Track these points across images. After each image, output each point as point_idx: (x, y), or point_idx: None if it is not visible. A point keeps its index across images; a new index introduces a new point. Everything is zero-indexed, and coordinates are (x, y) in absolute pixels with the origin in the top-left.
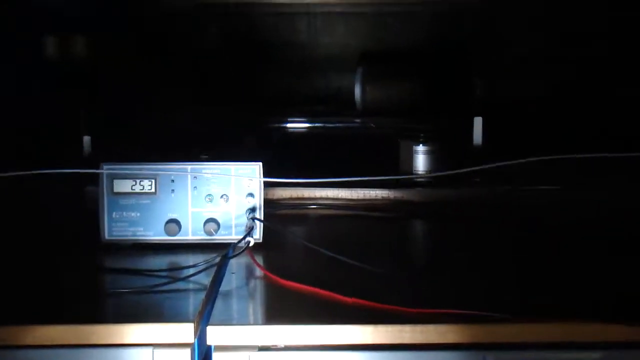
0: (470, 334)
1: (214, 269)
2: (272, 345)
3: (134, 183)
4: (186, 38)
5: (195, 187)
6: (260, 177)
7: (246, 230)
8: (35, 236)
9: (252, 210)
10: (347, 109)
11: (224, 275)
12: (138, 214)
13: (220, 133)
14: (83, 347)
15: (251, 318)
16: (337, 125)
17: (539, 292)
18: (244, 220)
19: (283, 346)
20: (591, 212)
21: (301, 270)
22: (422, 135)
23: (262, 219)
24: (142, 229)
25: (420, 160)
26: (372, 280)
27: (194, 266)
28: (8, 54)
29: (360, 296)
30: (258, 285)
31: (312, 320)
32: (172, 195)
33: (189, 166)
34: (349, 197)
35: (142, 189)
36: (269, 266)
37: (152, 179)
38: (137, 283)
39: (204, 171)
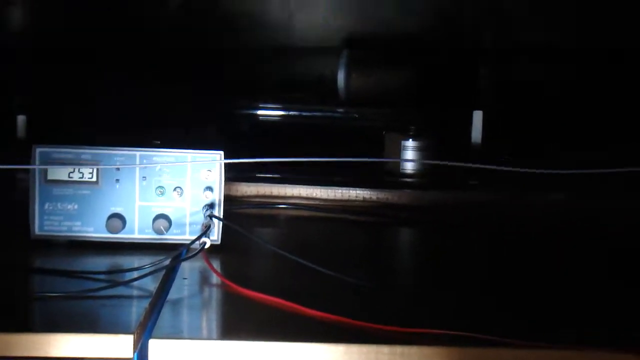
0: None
1: (162, 273)
2: None
3: (71, 170)
4: (141, 4)
5: (144, 177)
6: (221, 169)
7: (202, 230)
8: None
9: (210, 206)
10: (329, 97)
11: (173, 280)
12: (75, 206)
13: (177, 117)
14: None
15: (203, 331)
16: (315, 114)
17: (545, 312)
18: (200, 218)
19: None
20: (606, 221)
21: (264, 278)
22: (412, 128)
23: (222, 217)
24: (79, 223)
25: (409, 157)
26: (347, 293)
27: (138, 269)
28: None
29: (331, 310)
30: (213, 294)
31: (275, 336)
32: (117, 185)
33: (138, 152)
34: (325, 196)
35: (82, 178)
36: (226, 272)
37: (94, 166)
38: (70, 287)
39: (155, 158)
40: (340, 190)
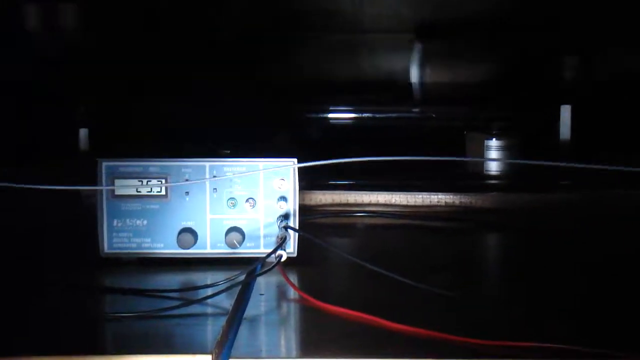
0: None
1: (237, 290)
2: None
3: (139, 184)
4: (199, 6)
5: (214, 188)
6: (295, 177)
7: (277, 242)
8: (21, 248)
9: (285, 217)
10: (403, 96)
11: (249, 297)
12: (145, 222)
13: (246, 126)
14: None
15: (282, 350)
16: (390, 115)
17: None
18: (275, 229)
19: None
20: None
21: (344, 290)
22: (495, 126)
23: (297, 228)
24: (149, 240)
25: (494, 158)
26: (432, 304)
27: (212, 285)
28: None
29: (418, 323)
30: (292, 309)
31: (358, 353)
32: (187, 198)
33: (208, 163)
34: (405, 203)
35: (150, 192)
36: (305, 286)
37: (162, 178)
38: (143, 306)
39: (225, 169)
40: (420, 196)
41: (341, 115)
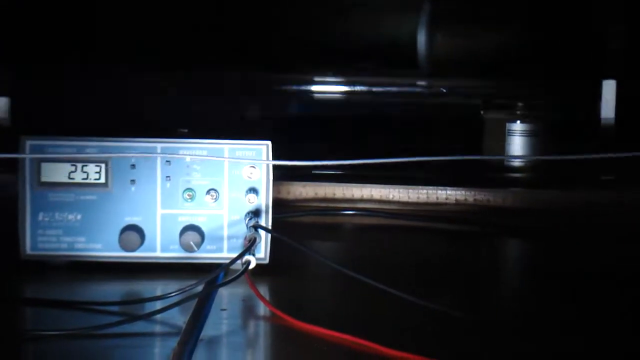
0: None
1: (193, 303)
2: None
3: (72, 169)
4: None
5: (168, 176)
6: (268, 163)
7: (245, 245)
8: None
9: (255, 214)
10: (407, 67)
11: (208, 312)
12: (79, 217)
13: (208, 100)
14: None
15: None
16: (390, 89)
17: None
18: (243, 229)
19: None
20: None
21: (326, 307)
22: (519, 105)
23: (270, 228)
24: (84, 239)
25: (517, 145)
26: (434, 326)
27: (162, 298)
28: None
29: (416, 349)
30: (261, 329)
31: None
32: (132, 188)
33: (160, 144)
34: (405, 199)
35: (86, 178)
36: (277, 300)
37: (102, 162)
38: (74, 322)
39: (182, 152)
40: (425, 191)
41: (328, 88)
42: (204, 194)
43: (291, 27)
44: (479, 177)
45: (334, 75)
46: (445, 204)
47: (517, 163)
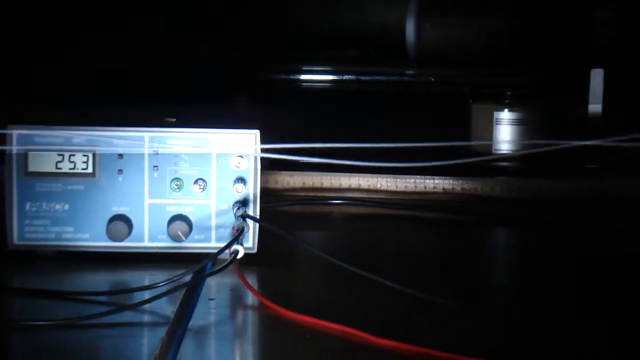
0: None
1: (181, 293)
2: None
3: (60, 159)
4: None
5: (155, 166)
6: (256, 153)
7: (233, 235)
8: None
9: (243, 203)
10: (395, 55)
11: (196, 302)
12: (66, 207)
13: (195, 86)
14: None
15: None
16: (378, 78)
17: None
18: (231, 219)
19: None
20: None
21: (315, 296)
22: (507, 94)
23: (258, 217)
24: (71, 229)
25: (505, 134)
26: (425, 315)
27: (150, 287)
28: None
29: (406, 338)
30: (249, 319)
31: None
32: (120, 178)
33: (147, 133)
34: (393, 188)
35: (74, 168)
36: (266, 290)
37: (89, 152)
38: (62, 312)
39: (169, 142)
40: (412, 180)
41: (316, 77)
42: (192, 184)
43: (278, 15)
44: (467, 166)
45: (322, 64)
46: (433, 192)
47: (504, 152)
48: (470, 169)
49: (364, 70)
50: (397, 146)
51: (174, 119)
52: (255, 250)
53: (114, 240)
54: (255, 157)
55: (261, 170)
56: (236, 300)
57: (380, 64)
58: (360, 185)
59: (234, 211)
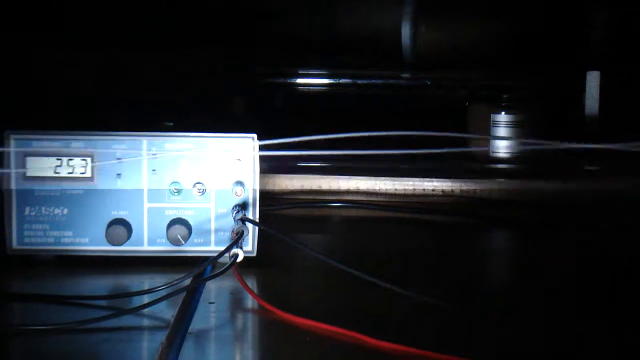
0: None
1: (181, 297)
2: None
3: (58, 163)
4: None
5: (154, 170)
6: (255, 156)
7: (232, 238)
8: None
9: (242, 207)
10: (390, 59)
11: (196, 306)
12: (65, 211)
13: (193, 91)
14: None
15: None
16: (374, 81)
17: None
18: (230, 222)
19: None
20: None
21: (315, 299)
22: (505, 97)
23: (258, 221)
24: (70, 233)
25: (501, 135)
26: (426, 318)
27: (150, 292)
28: None
29: (408, 341)
30: (249, 323)
31: None
32: (118, 182)
33: (145, 138)
34: (392, 190)
35: (72, 173)
36: (266, 293)
37: (88, 156)
38: (61, 317)
39: (167, 145)
40: (411, 182)
41: (313, 81)
42: (191, 188)
43: (274, 20)
44: (465, 168)
45: (318, 68)
46: (432, 195)
47: (502, 154)
48: (468, 170)
49: (361, 74)
50: (396, 153)
51: (172, 124)
52: (254, 254)
53: (113, 244)
54: (254, 161)
55: (260, 173)
56: (236, 304)
57: (377, 67)
58: (359, 187)
59: (233, 215)
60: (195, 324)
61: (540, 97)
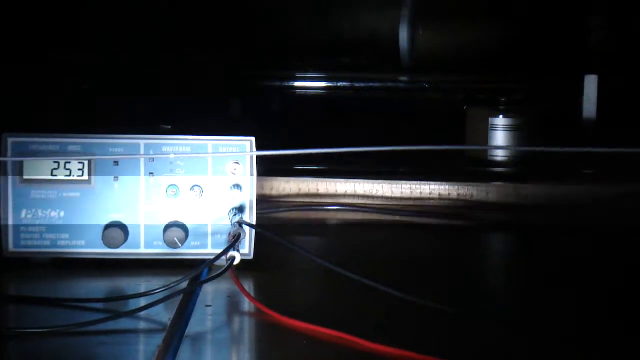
0: None
1: (178, 300)
2: None
3: (55, 166)
4: None
5: (151, 173)
6: (252, 160)
7: (229, 241)
8: None
9: (239, 210)
10: (389, 62)
11: (193, 309)
12: (62, 214)
13: (190, 94)
14: None
15: None
16: (372, 85)
17: None
18: (227, 225)
19: None
20: None
21: (312, 303)
22: (503, 100)
23: (255, 224)
24: (67, 236)
25: (500, 140)
26: (424, 322)
27: (147, 294)
28: None
29: (406, 345)
30: (246, 326)
31: None
32: (116, 185)
33: (143, 141)
34: (389, 194)
35: (69, 176)
36: (263, 296)
37: (85, 160)
38: (58, 319)
39: (165, 148)
40: (408, 185)
41: (311, 84)
42: (188, 191)
43: (272, 23)
44: (462, 172)
45: (316, 71)
46: (429, 198)
47: (500, 158)
48: (465, 174)
49: (358, 77)
50: (394, 149)
51: (170, 127)
52: (251, 257)
53: (110, 247)
54: (251, 164)
55: (257, 176)
56: (233, 307)
57: (375, 70)
58: (356, 191)
59: (231, 218)
60: (192, 327)
61: (538, 100)
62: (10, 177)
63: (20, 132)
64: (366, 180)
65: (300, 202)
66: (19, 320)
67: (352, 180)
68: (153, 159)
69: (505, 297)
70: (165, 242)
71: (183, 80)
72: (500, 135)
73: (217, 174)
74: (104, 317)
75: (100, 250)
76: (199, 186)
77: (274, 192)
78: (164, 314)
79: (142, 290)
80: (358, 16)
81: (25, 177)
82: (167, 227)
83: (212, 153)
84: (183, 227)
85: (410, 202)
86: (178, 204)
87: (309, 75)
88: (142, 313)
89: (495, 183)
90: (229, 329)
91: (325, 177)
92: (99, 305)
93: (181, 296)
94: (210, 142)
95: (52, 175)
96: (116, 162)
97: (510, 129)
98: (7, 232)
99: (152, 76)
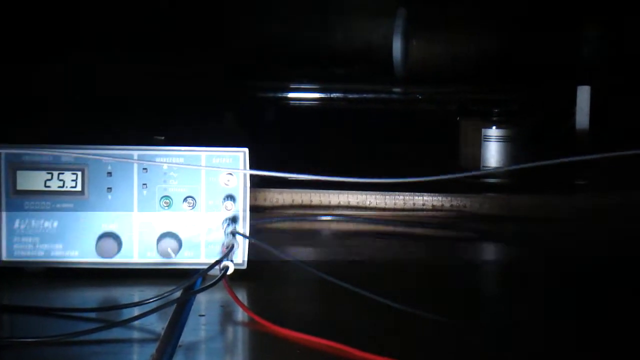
0: None
1: (171, 310)
2: None
3: (49, 177)
4: None
5: (144, 184)
6: (245, 171)
7: (223, 251)
8: None
9: (232, 220)
10: (381, 72)
11: (186, 318)
12: (55, 224)
13: (183, 105)
14: None
15: None
16: (366, 96)
17: None
18: (220, 235)
19: None
20: None
21: (306, 312)
22: (496, 111)
23: (248, 234)
24: (61, 246)
25: (493, 151)
26: (417, 332)
27: (140, 304)
28: None
29: (399, 354)
30: (239, 335)
31: None
32: (109, 196)
33: (136, 151)
34: (382, 205)
35: (63, 186)
36: (256, 306)
37: (78, 170)
38: (51, 329)
39: (158, 159)
40: (401, 196)
41: (304, 95)
42: (181, 201)
43: (266, 34)
44: (455, 183)
45: (310, 82)
46: (422, 209)
47: (492, 169)
48: (458, 185)
49: (352, 88)
50: (394, 182)
51: (163, 137)
52: (245, 267)
53: (104, 256)
54: (245, 175)
55: (250, 187)
56: (226, 317)
57: (368, 81)
58: (349, 202)
59: (224, 228)
60: (186, 337)
61: (531, 111)
62: (3, 189)
63: (13, 142)
64: (359, 192)
65: (294, 212)
66: (12, 329)
67: (345, 191)
68: (146, 170)
69: (497, 306)
70: (158, 252)
71: (176, 92)
72: (493, 146)
73: (210, 185)
74: (97, 327)
75: (93, 259)
76: (192, 197)
77: (267, 203)
78: (158, 324)
79: (136, 299)
80: (351, 27)
81: (18, 188)
82: (161, 237)
83: (205, 166)
84: (176, 238)
85: (404, 213)
86: (171, 214)
87: (302, 86)
88: (136, 322)
89: (489, 194)
90: (222, 338)
91: (318, 189)
92: (93, 315)
93: (174, 306)
94: (203, 153)
95: (45, 186)
96: (109, 173)
97: (503, 139)
98: (0, 242)
99: (144, 87)
